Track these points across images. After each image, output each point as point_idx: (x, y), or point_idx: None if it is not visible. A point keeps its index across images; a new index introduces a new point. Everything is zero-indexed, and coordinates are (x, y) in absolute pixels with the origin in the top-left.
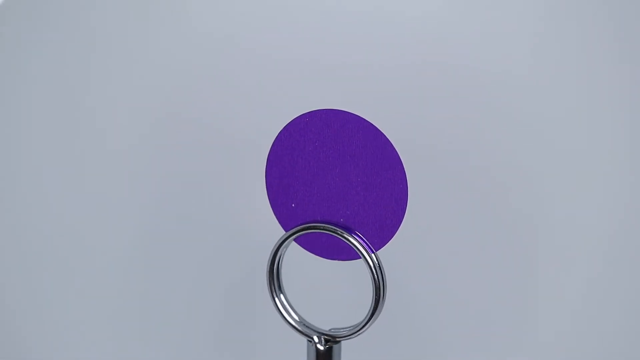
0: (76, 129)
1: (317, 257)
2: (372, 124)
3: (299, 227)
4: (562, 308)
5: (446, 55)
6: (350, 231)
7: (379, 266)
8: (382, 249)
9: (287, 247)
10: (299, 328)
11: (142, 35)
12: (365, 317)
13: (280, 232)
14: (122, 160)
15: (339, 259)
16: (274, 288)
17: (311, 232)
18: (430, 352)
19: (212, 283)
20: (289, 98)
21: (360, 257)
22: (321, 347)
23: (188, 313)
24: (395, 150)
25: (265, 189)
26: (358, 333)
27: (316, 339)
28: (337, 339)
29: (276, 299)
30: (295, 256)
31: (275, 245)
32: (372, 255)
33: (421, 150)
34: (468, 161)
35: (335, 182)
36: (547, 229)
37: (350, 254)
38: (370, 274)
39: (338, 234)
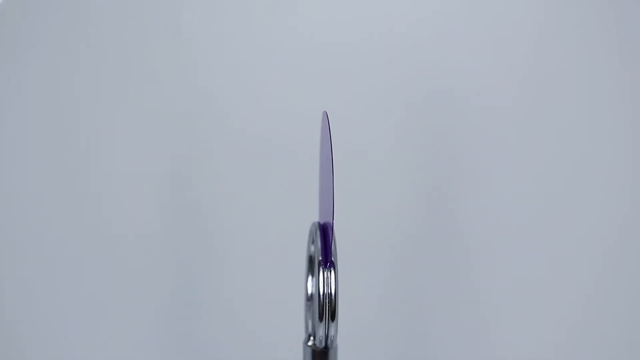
0: (80, 130)
1: None
2: (328, 133)
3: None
4: (558, 311)
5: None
6: (323, 239)
7: (324, 283)
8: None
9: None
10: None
11: (144, 38)
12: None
13: None
14: (148, 157)
15: None
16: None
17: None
18: (429, 352)
19: (211, 281)
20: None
21: None
22: (307, 346)
23: (186, 311)
24: (332, 166)
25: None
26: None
27: (310, 338)
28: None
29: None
30: None
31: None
32: (324, 269)
33: (420, 155)
34: (467, 160)
35: (327, 184)
36: (546, 231)
37: None
38: (317, 288)
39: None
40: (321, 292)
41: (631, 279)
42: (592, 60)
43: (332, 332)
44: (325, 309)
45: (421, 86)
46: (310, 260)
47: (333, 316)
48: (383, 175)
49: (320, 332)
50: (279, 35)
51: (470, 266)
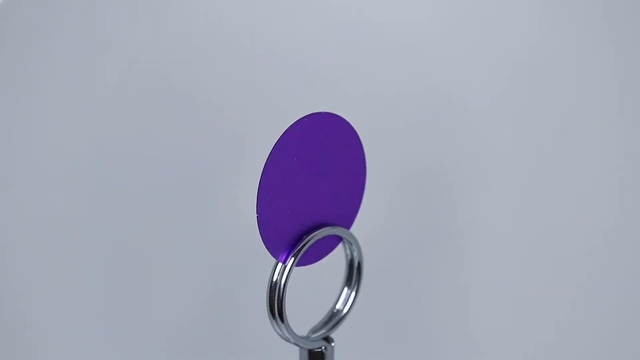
0: (70, 121)
1: None
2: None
3: None
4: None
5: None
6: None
7: (278, 277)
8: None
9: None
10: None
11: (142, 33)
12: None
13: None
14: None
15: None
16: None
17: None
18: (427, 351)
19: (206, 281)
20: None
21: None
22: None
23: (182, 311)
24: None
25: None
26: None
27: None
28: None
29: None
30: None
31: None
32: (279, 264)
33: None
34: (466, 159)
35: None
36: (546, 229)
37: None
38: (269, 282)
39: None
40: (270, 285)
41: (623, 277)
42: (590, 61)
43: (285, 333)
44: (274, 304)
45: (420, 86)
46: (350, 266)
47: (281, 315)
48: (381, 175)
49: (277, 329)
50: (275, 35)
51: (463, 263)
